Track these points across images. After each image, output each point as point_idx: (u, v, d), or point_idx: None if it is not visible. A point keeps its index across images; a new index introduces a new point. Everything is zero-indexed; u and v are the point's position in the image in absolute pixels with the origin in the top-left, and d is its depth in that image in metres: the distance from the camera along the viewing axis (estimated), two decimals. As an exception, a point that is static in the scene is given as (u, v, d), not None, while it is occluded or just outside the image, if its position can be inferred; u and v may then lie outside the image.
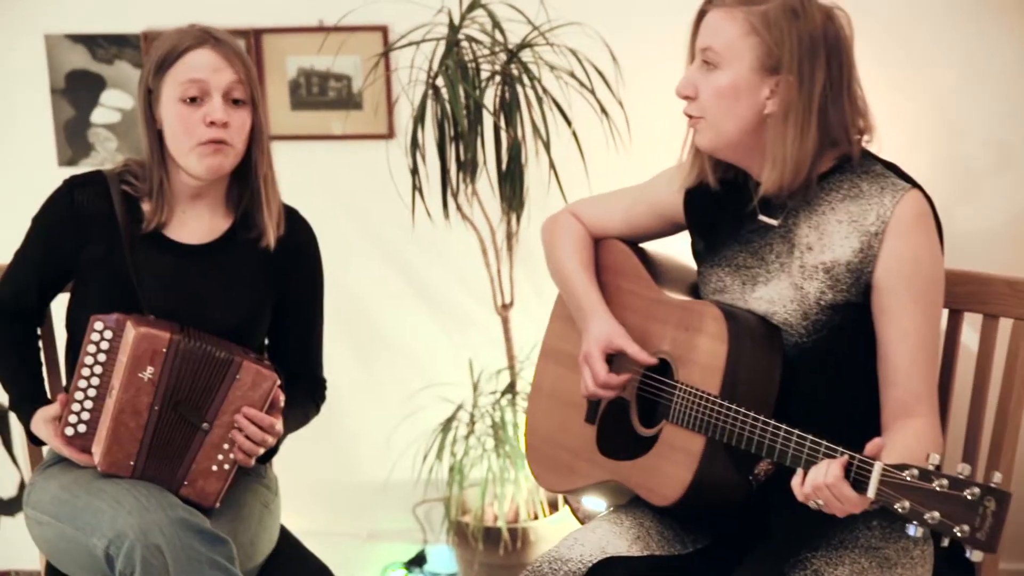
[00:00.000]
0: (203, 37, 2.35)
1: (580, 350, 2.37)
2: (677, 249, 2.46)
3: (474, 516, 3.47)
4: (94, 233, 2.39)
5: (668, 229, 2.44)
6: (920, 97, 3.19)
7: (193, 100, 2.32)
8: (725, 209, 2.28)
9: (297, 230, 2.52)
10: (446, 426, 3.48)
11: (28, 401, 2.44)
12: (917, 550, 2.17)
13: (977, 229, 3.13)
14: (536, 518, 3.52)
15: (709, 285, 2.29)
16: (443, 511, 3.63)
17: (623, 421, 2.33)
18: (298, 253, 2.51)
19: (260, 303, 2.47)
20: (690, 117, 2.21)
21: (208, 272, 2.42)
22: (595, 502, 2.52)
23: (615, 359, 2.32)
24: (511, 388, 3.48)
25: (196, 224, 2.44)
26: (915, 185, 2.13)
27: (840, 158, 2.16)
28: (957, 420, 2.39)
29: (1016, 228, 3.17)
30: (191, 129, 2.32)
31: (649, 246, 2.50)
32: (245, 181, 2.43)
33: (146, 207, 2.41)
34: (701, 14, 2.20)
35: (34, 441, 2.46)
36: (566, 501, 3.35)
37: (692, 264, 2.40)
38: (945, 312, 2.39)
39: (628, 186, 2.49)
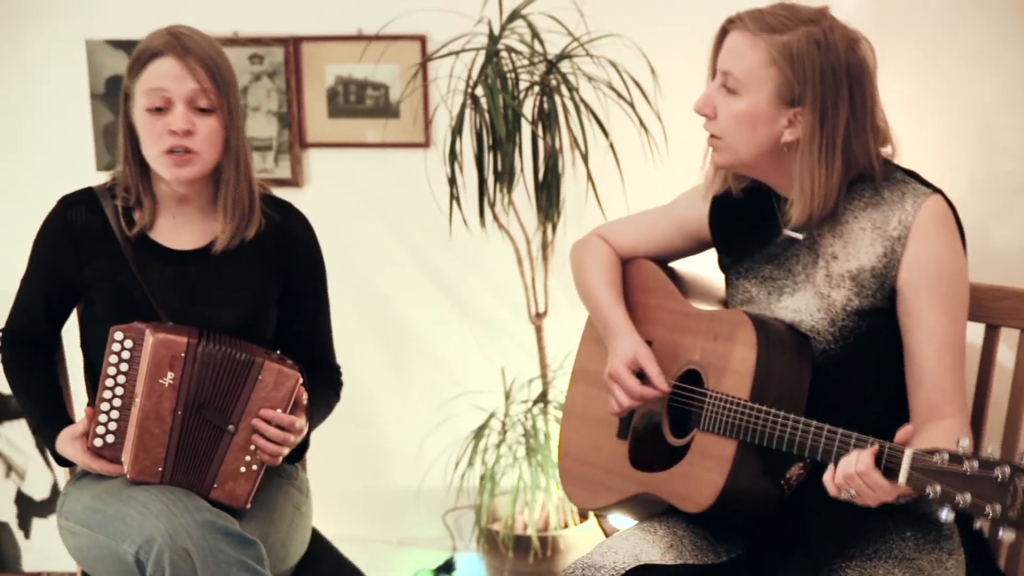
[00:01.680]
0: (169, 43, 2.33)
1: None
2: (705, 266, 2.47)
3: (504, 524, 3.47)
4: (93, 250, 2.41)
5: (694, 247, 2.45)
6: (956, 114, 3.17)
7: (158, 110, 2.32)
8: (749, 222, 2.30)
9: (291, 222, 2.52)
10: (478, 434, 3.49)
11: (50, 424, 2.45)
12: (951, 560, 2.16)
13: (1013, 245, 3.11)
14: (566, 527, 3.52)
15: (736, 296, 2.31)
16: (473, 519, 3.63)
17: (655, 434, 2.33)
18: (295, 245, 2.51)
19: (262, 299, 2.47)
20: (710, 135, 2.22)
21: (208, 275, 2.43)
22: (624, 520, 2.53)
23: (640, 376, 2.33)
24: (543, 397, 3.49)
25: (189, 229, 2.44)
26: (935, 190, 2.14)
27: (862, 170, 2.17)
28: (992, 436, 2.38)
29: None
30: (156, 137, 2.32)
31: (677, 264, 2.52)
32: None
33: (137, 216, 2.42)
34: (723, 32, 2.20)
35: (60, 462, 2.46)
36: (596, 516, 3.36)
37: (719, 279, 2.42)
38: (982, 327, 2.38)
39: (654, 207, 2.51)
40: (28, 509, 3.84)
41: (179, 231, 2.44)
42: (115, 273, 2.39)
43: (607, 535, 3.16)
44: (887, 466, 1.90)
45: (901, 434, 1.91)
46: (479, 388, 3.67)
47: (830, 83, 2.09)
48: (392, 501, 3.87)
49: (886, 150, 2.19)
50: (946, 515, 1.82)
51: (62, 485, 3.79)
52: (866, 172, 2.16)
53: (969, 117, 3.16)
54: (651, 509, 2.34)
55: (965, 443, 1.83)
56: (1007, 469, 1.77)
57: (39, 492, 3.85)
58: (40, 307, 2.47)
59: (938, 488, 1.81)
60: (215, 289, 2.41)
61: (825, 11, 2.15)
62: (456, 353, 3.76)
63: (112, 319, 2.34)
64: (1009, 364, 2.38)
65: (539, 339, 3.47)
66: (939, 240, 2.11)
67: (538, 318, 3.45)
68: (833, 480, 1.96)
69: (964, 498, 1.79)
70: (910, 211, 2.11)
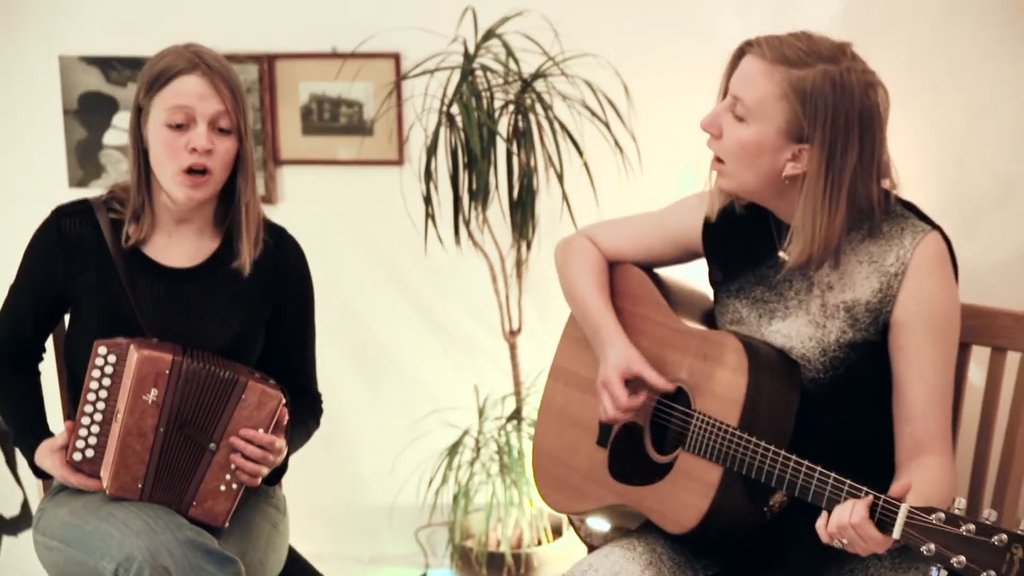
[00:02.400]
0: (194, 62, 2.34)
1: (593, 373, 2.37)
2: (694, 276, 2.48)
3: (478, 541, 3.48)
4: (85, 261, 2.40)
5: (684, 257, 2.44)
6: (927, 136, 3.21)
7: (179, 126, 2.33)
8: (744, 241, 2.29)
9: (285, 248, 2.53)
10: (452, 451, 3.49)
11: (30, 435, 2.45)
12: None
13: (982, 264, 3.15)
14: (540, 543, 3.53)
15: (726, 316, 2.30)
16: (446, 536, 3.64)
17: (636, 446, 2.33)
18: (287, 271, 2.52)
19: (252, 322, 2.47)
20: (714, 158, 2.20)
21: (199, 294, 2.43)
22: (600, 523, 2.53)
23: (631, 384, 2.33)
24: (517, 414, 3.50)
25: (184, 247, 2.44)
26: (934, 227, 2.14)
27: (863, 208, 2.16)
28: (963, 454, 2.40)
29: (1020, 262, 3.19)
30: (175, 155, 2.32)
31: (665, 272, 2.50)
32: (231, 204, 2.44)
33: (131, 229, 2.41)
34: (740, 52, 2.15)
35: (38, 474, 2.46)
36: (570, 520, 3.36)
37: (707, 291, 2.42)
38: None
39: (645, 212, 2.49)
40: (-2, 527, 3.82)
41: (173, 248, 2.44)
42: (105, 286, 2.38)
43: (581, 536, 3.16)
44: (880, 518, 1.90)
45: (897, 488, 1.91)
46: (453, 405, 3.68)
47: (841, 126, 2.05)
48: (365, 518, 3.87)
49: (884, 182, 2.17)
50: (936, 573, 1.83)
51: (32, 502, 3.77)
52: (865, 211, 2.14)
53: (939, 138, 3.20)
54: (628, 519, 2.35)
55: (962, 503, 1.83)
56: (1004, 537, 1.77)
57: (9, 510, 3.83)
58: (28, 316, 2.47)
59: (932, 547, 1.82)
60: (206, 308, 2.42)
61: (846, 48, 2.11)
62: (430, 370, 3.77)
63: (99, 332, 2.34)
64: (979, 382, 2.42)
65: (513, 356, 3.48)
66: (936, 279, 2.11)
67: (512, 335, 3.47)
68: (826, 528, 1.95)
69: (959, 560, 1.79)
70: (908, 248, 2.11)
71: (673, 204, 2.45)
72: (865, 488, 1.94)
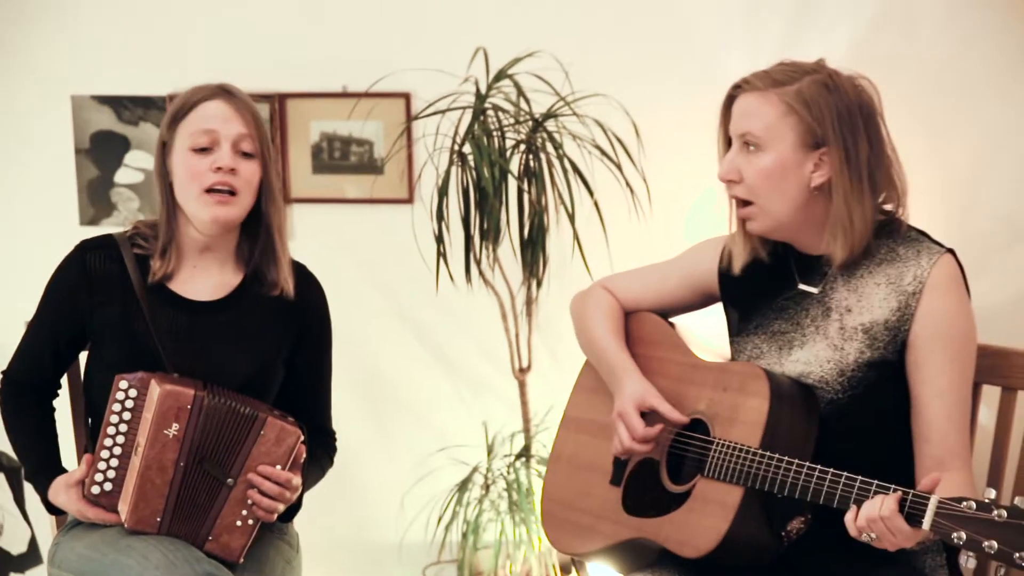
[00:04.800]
0: (216, 90, 2.40)
1: (607, 417, 2.39)
2: (709, 322, 2.51)
3: (486, 579, 3.48)
4: (108, 296, 2.42)
5: (701, 301, 2.48)
6: (934, 175, 3.24)
7: (203, 150, 2.36)
8: (761, 279, 2.33)
9: (306, 286, 2.55)
10: (461, 488, 3.50)
11: (44, 471, 2.45)
12: None
13: (991, 304, 3.17)
14: (548, 581, 3.53)
15: (744, 353, 2.33)
16: (455, 573, 3.64)
17: (651, 481, 2.35)
18: (308, 308, 2.53)
19: (272, 359, 2.49)
20: (739, 203, 2.25)
21: (221, 328, 2.44)
22: (605, 571, 2.53)
23: (647, 416, 2.34)
24: (526, 451, 3.51)
25: (206, 280, 2.46)
26: (948, 250, 2.19)
27: (877, 225, 2.22)
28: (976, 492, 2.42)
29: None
30: (199, 175, 2.35)
31: (680, 319, 2.54)
32: (255, 236, 2.46)
33: (155, 264, 2.43)
34: (730, 99, 2.25)
35: (51, 510, 2.46)
36: (574, 565, 3.36)
37: (721, 334, 2.44)
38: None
39: (660, 261, 2.54)
40: (6, 564, 3.81)
41: (196, 281, 2.45)
42: (128, 320, 2.40)
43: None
44: (910, 512, 1.93)
45: (928, 482, 1.95)
46: (462, 442, 3.69)
47: (847, 120, 2.16)
48: (374, 555, 3.87)
49: (900, 209, 2.25)
50: (966, 561, 1.86)
51: (40, 540, 3.78)
52: (880, 229, 2.21)
53: (946, 178, 3.23)
54: (641, 555, 2.35)
55: (992, 493, 1.87)
56: None
57: (16, 547, 3.83)
58: (47, 350, 2.48)
59: (963, 535, 1.85)
60: (226, 343, 2.43)
61: (823, 62, 2.23)
62: (439, 407, 3.78)
63: (120, 366, 2.35)
64: (987, 422, 2.43)
65: (522, 394, 3.50)
66: (952, 298, 2.16)
67: (521, 373, 3.48)
68: (855, 522, 1.99)
69: (991, 545, 1.82)
70: (925, 267, 2.16)
71: (687, 251, 2.49)
72: (893, 486, 1.97)
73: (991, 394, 2.44)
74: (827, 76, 2.18)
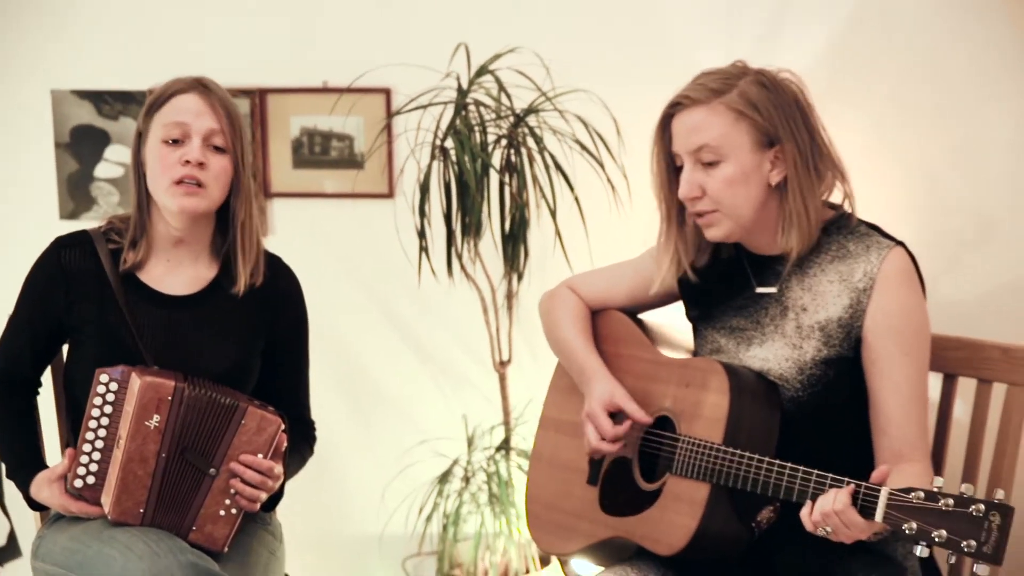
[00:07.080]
0: (193, 83, 2.41)
1: (581, 417, 2.42)
2: (672, 318, 2.53)
3: (466, 570, 3.50)
4: (84, 292, 2.43)
5: (662, 300, 2.51)
6: (907, 174, 3.26)
7: (175, 142, 2.38)
8: (720, 280, 2.36)
9: (280, 277, 2.56)
10: (441, 480, 3.52)
11: (25, 468, 2.46)
12: None
13: (965, 298, 3.20)
14: (528, 572, 3.54)
15: (705, 347, 2.37)
16: (435, 565, 3.65)
17: (625, 479, 2.38)
18: (283, 299, 2.55)
19: (249, 350, 2.50)
20: (699, 215, 2.26)
21: (197, 322, 2.45)
22: (587, 567, 2.55)
23: (616, 416, 2.38)
24: (506, 443, 3.53)
25: (181, 274, 2.47)
26: (898, 243, 2.22)
27: (827, 221, 2.25)
28: (949, 484, 2.44)
29: (998, 298, 3.24)
30: (169, 167, 2.37)
31: (646, 315, 2.57)
32: (228, 232, 2.48)
33: (126, 253, 2.45)
34: (667, 118, 2.27)
35: (33, 506, 2.47)
36: (560, 562, 3.39)
37: (686, 330, 2.48)
38: (939, 377, 2.45)
39: (622, 260, 2.57)
40: (-15, 557, 3.81)
41: (170, 275, 2.46)
42: (105, 315, 2.41)
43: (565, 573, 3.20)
44: (863, 505, 1.96)
45: (877, 474, 1.97)
46: (442, 435, 3.71)
47: (791, 113, 2.19)
48: (354, 547, 3.88)
49: (846, 203, 2.28)
50: (920, 551, 1.88)
51: (19, 534, 3.77)
52: (830, 224, 2.25)
53: (918, 177, 3.26)
54: (620, 553, 2.38)
55: (940, 482, 1.89)
56: (981, 506, 1.83)
57: (-4, 540, 3.82)
58: (27, 347, 2.49)
59: (914, 525, 1.88)
60: (204, 336, 2.44)
61: (743, 63, 2.26)
62: (419, 400, 3.79)
63: (99, 360, 2.36)
64: (963, 415, 2.46)
65: (502, 387, 3.52)
66: (903, 291, 2.18)
67: (502, 366, 3.50)
68: (810, 516, 2.01)
69: (940, 534, 1.85)
70: (875, 263, 2.18)
71: (649, 250, 2.51)
72: (847, 479, 2.00)
73: (967, 386, 2.47)
74: (758, 76, 2.21)
